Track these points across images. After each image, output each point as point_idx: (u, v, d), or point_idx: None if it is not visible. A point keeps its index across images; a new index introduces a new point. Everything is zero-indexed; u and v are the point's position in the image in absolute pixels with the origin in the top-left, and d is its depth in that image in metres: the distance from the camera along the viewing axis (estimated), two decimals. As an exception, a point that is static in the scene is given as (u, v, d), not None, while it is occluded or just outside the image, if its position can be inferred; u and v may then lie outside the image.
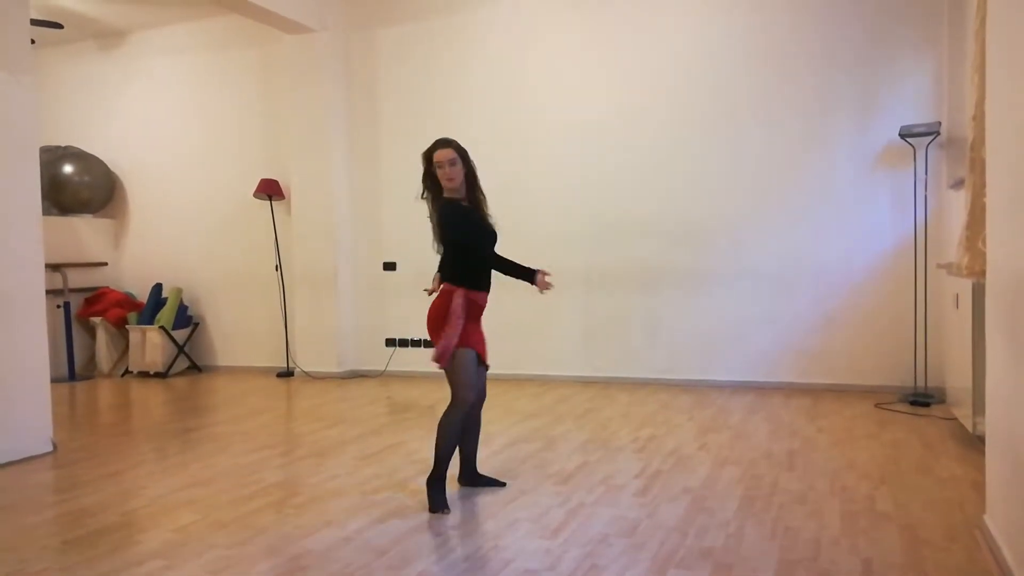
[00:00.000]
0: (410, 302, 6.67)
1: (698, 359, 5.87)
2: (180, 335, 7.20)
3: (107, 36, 7.70)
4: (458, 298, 3.23)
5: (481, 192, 3.38)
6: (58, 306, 6.83)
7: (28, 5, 4.43)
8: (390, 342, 6.77)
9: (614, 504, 3.18)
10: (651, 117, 5.93)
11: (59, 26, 6.68)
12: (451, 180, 3.22)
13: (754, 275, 5.70)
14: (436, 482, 3.19)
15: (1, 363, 4.08)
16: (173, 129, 7.55)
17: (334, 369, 6.73)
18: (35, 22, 5.81)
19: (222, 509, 3.23)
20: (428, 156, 3.26)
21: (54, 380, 4.91)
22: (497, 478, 3.51)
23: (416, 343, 6.66)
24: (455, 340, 3.19)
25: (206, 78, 7.40)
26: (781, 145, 5.61)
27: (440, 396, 5.74)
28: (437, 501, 3.15)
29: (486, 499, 3.28)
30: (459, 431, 3.25)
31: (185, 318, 7.31)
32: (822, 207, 5.53)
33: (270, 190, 6.84)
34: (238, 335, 7.36)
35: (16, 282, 4.20)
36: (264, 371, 7.10)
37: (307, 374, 6.80)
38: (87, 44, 7.79)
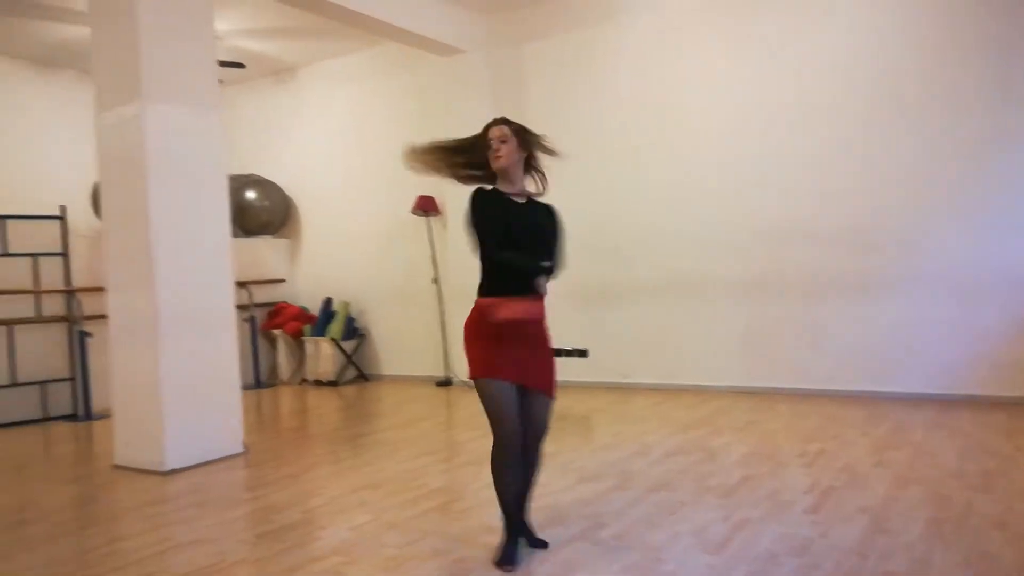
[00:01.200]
0: (562, 312, 6.72)
1: (867, 369, 5.48)
2: (348, 346, 7.68)
3: (281, 72, 8.40)
4: (474, 312, 2.81)
5: (539, 179, 2.90)
6: (245, 320, 7.51)
7: (215, 50, 4.93)
8: (543, 352, 6.85)
9: (782, 521, 3.03)
10: (809, 114, 5.63)
11: (241, 66, 7.37)
12: (498, 158, 2.76)
13: (931, 279, 5.25)
14: (504, 530, 2.78)
15: (200, 372, 4.54)
16: (338, 154, 8.10)
17: (490, 378, 6.89)
18: (222, 64, 6.43)
19: (392, 511, 3.40)
20: (481, 135, 2.86)
21: (243, 387, 5.39)
22: (541, 538, 2.91)
23: (569, 353, 6.69)
24: (472, 367, 2.78)
25: (366, 104, 7.88)
26: (961, 138, 5.14)
27: (595, 404, 5.74)
28: (502, 553, 2.72)
29: (645, 509, 3.24)
30: (508, 470, 2.75)
31: (352, 330, 7.79)
32: (1010, 205, 5.00)
33: (426, 207, 7.15)
34: (400, 346, 7.74)
35: (212, 299, 4.66)
36: (424, 380, 7.41)
37: (465, 383, 7.02)
38: (265, 80, 8.54)
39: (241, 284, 7.40)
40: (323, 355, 7.61)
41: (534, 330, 2.79)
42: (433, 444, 4.84)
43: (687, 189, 6.11)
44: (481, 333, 2.75)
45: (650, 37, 6.28)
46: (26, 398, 6.36)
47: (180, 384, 4.42)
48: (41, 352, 6.43)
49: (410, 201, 7.28)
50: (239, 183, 8.04)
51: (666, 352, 6.23)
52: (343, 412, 6.23)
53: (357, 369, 7.77)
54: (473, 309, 2.81)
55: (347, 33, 7.12)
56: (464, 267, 7.00)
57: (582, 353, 6.60)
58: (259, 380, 7.72)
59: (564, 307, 6.68)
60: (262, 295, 8.00)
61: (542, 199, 2.93)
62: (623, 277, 6.43)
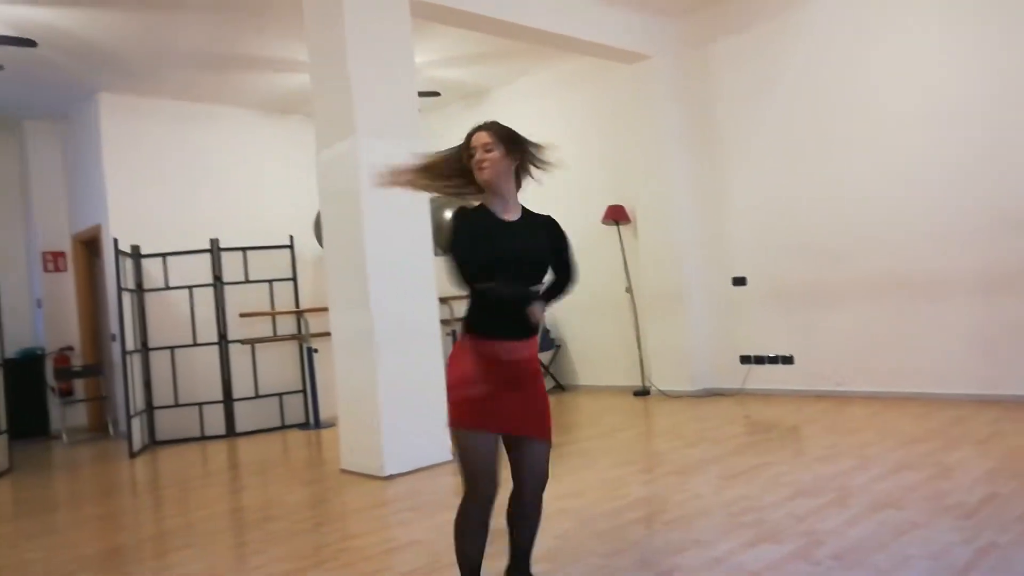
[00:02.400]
0: (764, 317, 6.42)
1: None
2: (545, 357, 7.85)
3: (472, 96, 8.82)
4: (456, 349, 2.42)
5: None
6: (447, 334, 7.92)
7: (415, 81, 5.28)
8: (745, 359, 6.56)
9: (1039, 547, 2.66)
10: (1052, 82, 4.94)
11: (437, 94, 7.84)
12: (482, 170, 2.37)
13: None
14: None
15: (412, 383, 4.86)
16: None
17: (688, 387, 6.74)
18: (420, 94, 6.88)
19: (596, 520, 3.42)
20: (464, 143, 2.47)
21: (449, 398, 5.69)
22: None
23: (773, 360, 6.36)
24: (451, 413, 2.35)
25: (553, 118, 8.04)
26: None
27: (805, 414, 5.40)
28: None
29: (868, 528, 2.98)
30: (471, 536, 2.46)
31: (548, 341, 7.95)
32: None
33: (616, 215, 7.15)
34: (595, 356, 7.77)
35: (419, 315, 4.98)
36: (621, 390, 7.38)
37: (662, 393, 6.90)
38: (457, 105, 9.00)
39: (443, 300, 7.82)
40: (521, 366, 7.82)
41: (525, 369, 2.38)
42: (634, 454, 4.80)
43: (897, 180, 5.59)
44: (466, 376, 2.32)
45: (844, 18, 5.84)
46: (267, 408, 7.18)
47: (395, 395, 4.76)
48: (278, 367, 7.23)
49: (600, 211, 7.31)
50: (436, 203, 8.52)
51: (886, 357, 5.71)
52: (543, 421, 6.36)
53: (554, 379, 7.92)
54: (457, 346, 2.40)
55: (533, 51, 7.33)
56: (657, 275, 6.92)
57: (787, 360, 6.25)
58: (463, 391, 8.08)
59: (766, 311, 6.38)
60: (462, 310, 8.39)
61: (540, 212, 2.55)
62: (831, 277, 6.00)
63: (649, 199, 6.99)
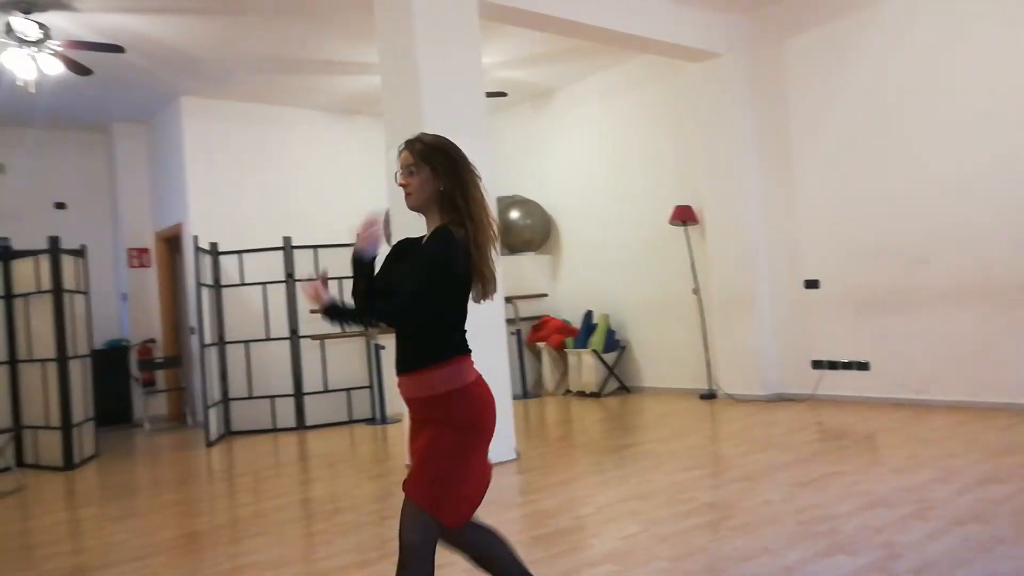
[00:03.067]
0: (838, 321, 6.22)
1: None
2: (610, 358, 7.79)
3: (539, 96, 8.83)
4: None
5: (473, 222, 2.03)
6: (512, 333, 7.95)
7: (483, 82, 5.32)
8: (817, 364, 6.37)
9: None
10: None
11: (504, 94, 7.87)
12: (407, 195, 2.09)
13: None
14: None
15: (476, 381, 4.89)
16: (594, 169, 8.29)
17: (758, 392, 6.58)
18: (488, 95, 6.93)
19: (662, 523, 3.38)
20: None
21: (512, 397, 5.71)
22: None
23: (847, 365, 6.15)
24: None
25: (621, 118, 7.98)
26: None
27: (881, 422, 5.21)
28: None
29: (950, 543, 2.85)
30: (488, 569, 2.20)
31: (613, 342, 7.89)
32: None
33: (684, 216, 7.04)
34: (661, 358, 7.67)
35: (484, 314, 5.00)
36: (687, 393, 7.27)
37: (730, 396, 6.77)
38: (524, 105, 9.02)
39: (507, 299, 7.86)
40: (585, 367, 7.80)
41: (417, 411, 2.07)
42: (700, 458, 4.72)
43: (980, 181, 5.32)
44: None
45: (922, 11, 5.60)
46: (335, 403, 7.35)
47: (460, 392, 4.80)
48: (346, 363, 7.39)
49: (667, 211, 7.21)
50: (503, 204, 8.56)
51: (969, 365, 5.46)
52: (607, 423, 6.32)
53: (619, 381, 7.85)
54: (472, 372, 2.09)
55: (600, 51, 7.29)
56: (726, 276, 6.79)
57: (863, 366, 6.04)
58: (526, 391, 8.12)
59: (840, 315, 6.19)
60: (527, 309, 8.42)
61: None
62: (909, 281, 5.76)
63: (718, 199, 6.86)
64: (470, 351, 2.09)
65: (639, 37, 6.12)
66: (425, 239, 2.11)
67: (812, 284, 6.40)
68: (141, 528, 4.09)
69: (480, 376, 2.08)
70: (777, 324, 6.66)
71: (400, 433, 5.90)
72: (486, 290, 2.11)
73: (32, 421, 6.12)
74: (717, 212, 6.87)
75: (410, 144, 2.10)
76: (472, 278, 2.06)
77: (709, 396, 6.95)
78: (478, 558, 2.18)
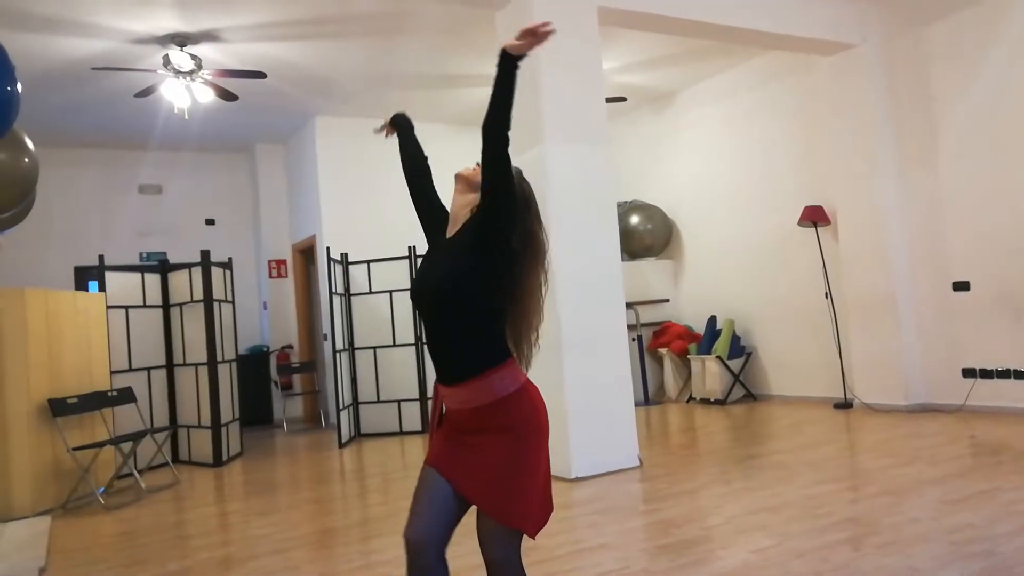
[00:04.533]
0: (991, 326, 5.73)
1: None
2: (735, 364, 7.54)
3: (658, 99, 8.69)
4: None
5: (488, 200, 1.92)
6: (633, 339, 7.85)
7: (603, 88, 5.30)
8: (968, 372, 5.89)
9: None
10: None
11: (624, 99, 7.81)
12: (463, 178, 2.11)
13: None
14: None
15: (598, 387, 4.87)
16: (717, 171, 8.06)
17: (900, 402, 6.16)
18: (608, 100, 6.90)
19: (796, 538, 3.22)
20: None
21: (634, 404, 5.63)
22: None
23: (1004, 374, 5.65)
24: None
25: (745, 118, 7.72)
26: None
27: (1044, 438, 4.75)
28: None
29: None
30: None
31: (738, 348, 7.63)
32: None
33: (815, 217, 6.72)
34: (790, 364, 7.35)
35: (606, 320, 4.99)
36: (819, 401, 6.91)
37: (868, 406, 6.37)
38: (644, 109, 8.92)
39: (628, 305, 7.77)
40: (709, 373, 7.58)
41: (473, 423, 1.92)
42: (837, 471, 4.47)
43: None
44: (435, 408, 2.04)
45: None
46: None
47: (582, 399, 4.79)
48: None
49: (796, 212, 6.91)
50: (623, 209, 8.49)
51: None
52: (732, 432, 6.11)
53: (744, 388, 7.58)
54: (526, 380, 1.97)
55: (722, 50, 7.10)
56: (862, 279, 6.41)
57: (1021, 375, 5.53)
58: (647, 398, 7.99)
59: (994, 319, 5.72)
60: (648, 315, 8.29)
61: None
62: (1077, 282, 5.23)
63: (853, 198, 6.49)
64: (512, 354, 1.96)
65: (768, 33, 5.90)
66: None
67: (961, 286, 5.93)
68: (282, 523, 4.34)
69: (527, 377, 1.99)
70: (921, 329, 6.22)
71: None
72: (522, 339, 1.97)
73: (186, 421, 6.64)
74: (852, 211, 6.51)
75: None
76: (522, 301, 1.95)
77: (844, 405, 6.58)
78: None
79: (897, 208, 6.30)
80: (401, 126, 2.34)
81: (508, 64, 1.95)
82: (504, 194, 1.88)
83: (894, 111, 6.31)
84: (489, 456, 1.89)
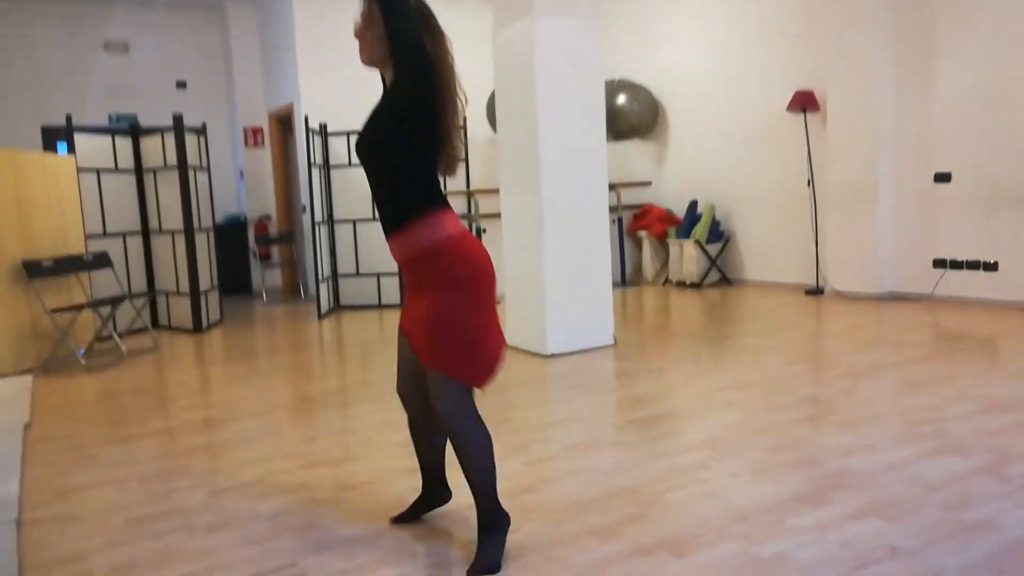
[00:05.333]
0: (967, 219, 5.79)
1: None
2: (713, 249, 7.60)
3: (653, -31, 8.27)
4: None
5: (396, 69, 2.01)
6: (613, 221, 7.85)
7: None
8: (939, 263, 6.00)
9: None
10: None
11: (616, -32, 7.42)
12: (360, 50, 2.10)
13: None
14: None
15: (577, 268, 4.90)
16: (709, 52, 7.80)
17: (870, 290, 6.30)
18: (599, -32, 6.56)
19: (758, 414, 3.37)
20: None
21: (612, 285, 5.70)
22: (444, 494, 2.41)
23: (973, 265, 5.77)
24: None
25: (743, -7, 7.40)
26: None
27: (1004, 326, 4.92)
28: (403, 510, 2.44)
29: (1073, 455, 2.71)
30: (410, 432, 2.35)
31: (717, 233, 7.67)
32: None
33: (804, 102, 6.59)
34: (767, 251, 7.43)
35: (588, 201, 4.95)
36: (792, 288, 7.05)
37: (839, 293, 6.52)
38: (637, -20, 8.49)
39: (610, 186, 7.70)
40: (687, 257, 7.66)
41: (413, 273, 2.06)
42: (802, 353, 4.62)
43: None
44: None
45: None
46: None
47: (560, 278, 4.83)
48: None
49: (786, 97, 6.77)
50: (610, 88, 8.25)
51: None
52: (706, 314, 6.25)
53: (720, 272, 7.69)
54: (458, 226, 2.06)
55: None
56: (847, 168, 6.38)
57: (991, 266, 5.65)
58: (624, 279, 8.09)
59: (971, 212, 5.77)
60: (629, 197, 8.26)
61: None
62: (1057, 177, 5.24)
63: (846, 85, 6.35)
64: (448, 205, 2.05)
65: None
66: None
67: (943, 177, 5.94)
68: (262, 387, 4.44)
69: (467, 230, 2.05)
70: (898, 219, 6.27)
71: (500, 314, 6.04)
72: (452, 161, 2.08)
73: (164, 287, 6.63)
74: (843, 98, 6.38)
75: None
76: (440, 142, 2.03)
77: (816, 292, 6.72)
78: (416, 424, 2.30)
79: (889, 96, 6.18)
80: None
81: None
82: (412, 60, 1.96)
83: (897, -8, 6.07)
84: (422, 307, 2.02)
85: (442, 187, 2.08)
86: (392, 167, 1.99)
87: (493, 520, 2.11)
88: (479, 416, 2.10)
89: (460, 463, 2.09)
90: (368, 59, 2.07)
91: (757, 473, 2.69)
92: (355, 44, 2.11)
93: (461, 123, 2.09)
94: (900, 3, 6.05)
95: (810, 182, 6.74)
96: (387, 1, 1.93)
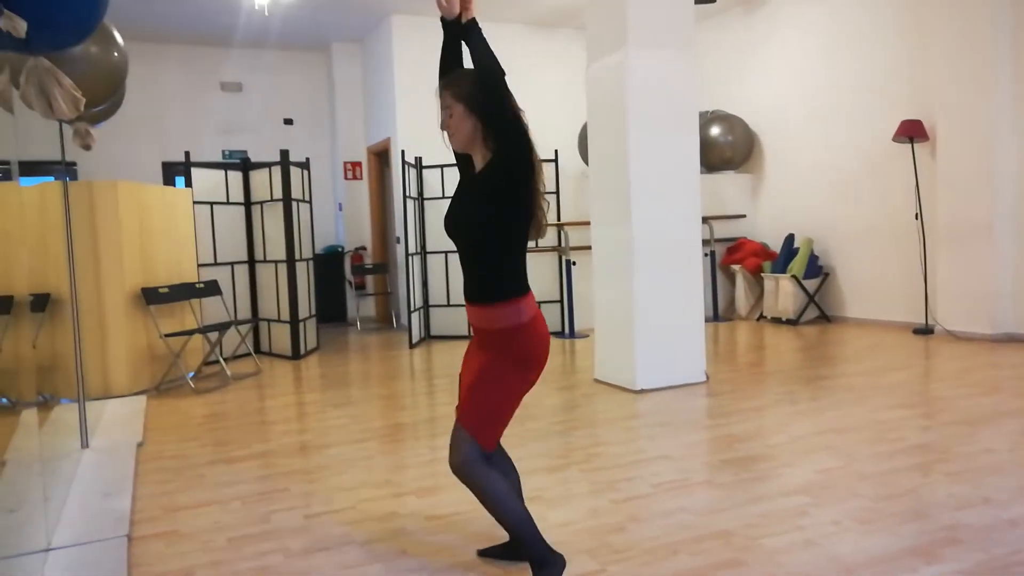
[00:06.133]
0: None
1: None
2: (811, 284, 7.34)
3: (750, 1, 8.17)
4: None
5: (494, 145, 2.06)
6: (705, 254, 7.70)
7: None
8: (1064, 304, 5.58)
9: None
10: None
11: (713, 0, 7.36)
12: (450, 137, 2.13)
13: None
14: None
15: (669, 302, 4.83)
16: (807, 81, 7.61)
17: (986, 330, 5.92)
18: (696, 1, 6.53)
19: (863, 461, 3.20)
20: None
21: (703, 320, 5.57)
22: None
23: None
24: None
25: (843, 22, 7.20)
26: None
27: None
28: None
29: None
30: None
31: (816, 268, 7.40)
32: None
33: (912, 132, 6.32)
34: (870, 287, 7.11)
35: (680, 234, 4.89)
36: (898, 326, 6.71)
37: (950, 333, 6.15)
38: (734, 12, 8.41)
39: (703, 219, 7.57)
40: (783, 292, 7.42)
41: (483, 338, 2.19)
42: (911, 397, 4.37)
43: None
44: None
45: None
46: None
47: (651, 312, 4.77)
48: (537, 277, 7.56)
49: (891, 127, 6.51)
50: (704, 119, 8.17)
51: None
52: (803, 352, 6.02)
53: (819, 309, 7.40)
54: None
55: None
56: (959, 201, 6.06)
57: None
58: (716, 314, 7.90)
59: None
60: (722, 230, 8.10)
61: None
62: None
63: (956, 112, 6.05)
64: (529, 288, 2.16)
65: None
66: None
67: (1067, 212, 5.55)
68: (355, 415, 4.56)
69: (540, 313, 2.18)
70: (1018, 256, 5.88)
71: (587, 347, 6.00)
72: (541, 226, 2.15)
73: (266, 314, 6.94)
74: (955, 127, 6.08)
75: (443, 84, 2.11)
76: (532, 210, 2.11)
77: (925, 331, 6.37)
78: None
79: (1008, 126, 5.85)
80: (451, 31, 2.20)
81: (451, 29, 2.16)
82: (517, 134, 2.05)
83: (1013, 12, 5.76)
84: (476, 368, 2.17)
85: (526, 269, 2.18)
86: (485, 248, 2.10)
87: (543, 561, 2.15)
88: (492, 467, 2.17)
89: (490, 514, 2.17)
90: (460, 144, 2.13)
91: (862, 523, 2.55)
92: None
93: (541, 185, 2.14)
94: (1019, 20, 5.74)
95: (918, 215, 6.43)
96: (485, 83, 2.03)
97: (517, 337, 2.11)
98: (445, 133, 2.11)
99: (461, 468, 2.13)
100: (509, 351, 2.11)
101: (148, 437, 4.15)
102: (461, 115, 2.06)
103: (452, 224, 2.13)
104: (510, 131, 2.03)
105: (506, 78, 2.03)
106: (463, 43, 2.13)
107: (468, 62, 2.11)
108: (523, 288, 2.14)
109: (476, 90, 2.03)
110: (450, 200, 2.19)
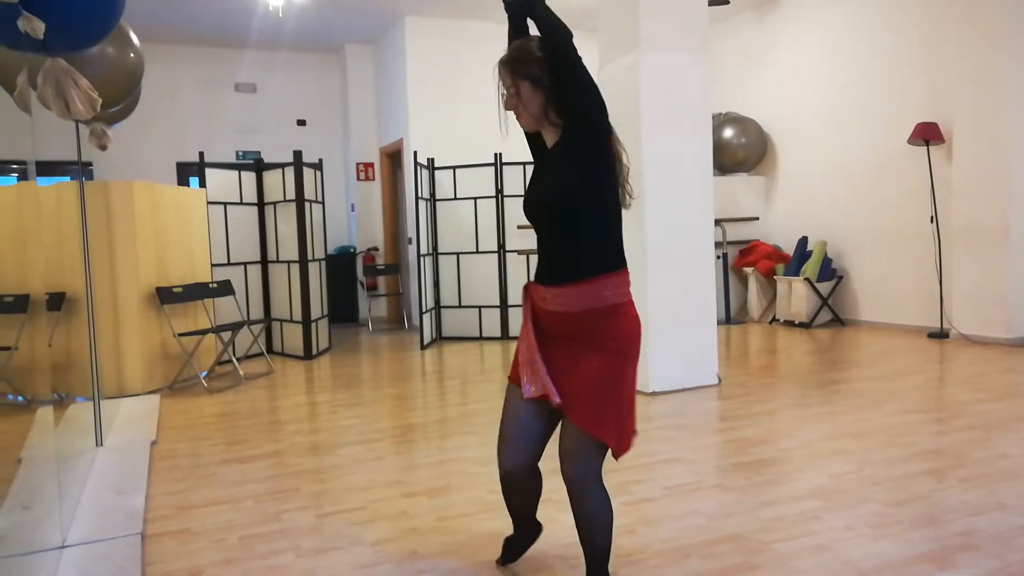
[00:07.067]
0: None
1: None
2: (824, 287, 7.30)
3: (763, 3, 8.14)
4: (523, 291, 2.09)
5: (567, 113, 1.92)
6: (717, 257, 7.67)
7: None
8: (1081, 308, 5.52)
9: None
10: None
11: (726, 2, 7.35)
12: (518, 118, 1.99)
13: None
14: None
15: (683, 305, 4.82)
16: (821, 83, 7.57)
17: (1002, 335, 5.86)
18: (709, 3, 6.51)
19: (876, 465, 3.17)
20: None
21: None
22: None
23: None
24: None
25: (858, 24, 7.16)
26: None
27: None
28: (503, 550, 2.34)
29: None
30: (506, 492, 2.18)
31: (829, 271, 7.36)
32: None
33: (927, 135, 6.27)
34: (884, 290, 7.06)
35: (693, 235, 4.87)
36: (912, 330, 6.66)
37: (965, 338, 6.10)
38: (745, 14, 8.39)
39: (716, 221, 7.54)
40: (796, 295, 7.38)
41: (571, 328, 1.94)
42: (925, 401, 4.34)
43: None
44: (524, 322, 2.08)
45: None
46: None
47: (663, 314, 4.75)
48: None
49: (907, 129, 6.47)
50: (716, 121, 8.14)
51: None
52: (816, 356, 5.98)
53: (832, 312, 7.36)
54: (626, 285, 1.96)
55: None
56: (975, 204, 6.01)
57: None
58: (729, 316, 7.87)
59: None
60: (735, 233, 8.07)
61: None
62: None
63: (972, 115, 6.01)
64: (626, 265, 1.97)
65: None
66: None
67: (1085, 216, 5.49)
68: (366, 415, 4.57)
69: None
70: (1034, 260, 5.83)
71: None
72: (627, 193, 1.98)
73: (279, 315, 6.98)
74: (971, 129, 6.03)
75: (502, 62, 1.97)
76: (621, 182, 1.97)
77: (940, 335, 6.32)
78: (524, 483, 2.17)
79: (1022, 129, 5.80)
80: (514, 9, 2.06)
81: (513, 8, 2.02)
82: (598, 104, 1.90)
83: (1031, 19, 5.72)
84: (586, 368, 1.92)
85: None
86: (587, 216, 1.89)
87: None
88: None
89: (582, 528, 2.00)
90: (531, 122, 1.98)
91: (875, 528, 2.53)
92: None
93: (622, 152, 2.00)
94: (1035, 30, 5.69)
95: (933, 219, 6.38)
96: (554, 43, 1.90)
97: (621, 315, 1.91)
98: (509, 114, 1.97)
99: (584, 482, 1.93)
100: (614, 336, 1.90)
101: (161, 436, 4.18)
102: (529, 91, 1.92)
103: (540, 200, 1.94)
104: (589, 88, 1.88)
105: (573, 39, 1.90)
106: (528, 20, 1.99)
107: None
108: (624, 263, 1.95)
109: (543, 58, 1.90)
110: (528, 186, 2.03)
